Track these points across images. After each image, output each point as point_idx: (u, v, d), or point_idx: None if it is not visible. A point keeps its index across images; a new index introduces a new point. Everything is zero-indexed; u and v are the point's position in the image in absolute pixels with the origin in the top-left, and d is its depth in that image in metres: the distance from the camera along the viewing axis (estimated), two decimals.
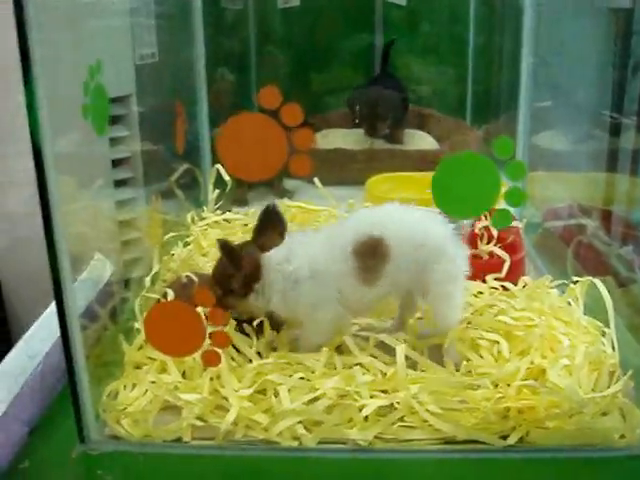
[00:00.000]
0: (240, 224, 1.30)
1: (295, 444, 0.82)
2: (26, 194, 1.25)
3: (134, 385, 0.89)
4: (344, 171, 1.52)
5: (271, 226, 0.89)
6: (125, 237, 1.14)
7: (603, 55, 1.53)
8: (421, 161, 1.54)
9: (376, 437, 0.82)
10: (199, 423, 0.83)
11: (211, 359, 0.79)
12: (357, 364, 0.87)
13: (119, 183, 1.29)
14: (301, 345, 0.92)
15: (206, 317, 0.78)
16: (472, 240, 1.21)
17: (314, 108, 1.78)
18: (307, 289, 0.88)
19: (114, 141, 1.30)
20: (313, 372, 0.87)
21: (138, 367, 0.93)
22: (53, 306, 0.97)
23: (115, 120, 1.32)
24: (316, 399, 0.82)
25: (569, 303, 0.98)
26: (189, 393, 0.84)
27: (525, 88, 1.36)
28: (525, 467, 0.80)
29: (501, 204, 0.77)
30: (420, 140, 1.64)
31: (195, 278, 1.01)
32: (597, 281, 0.95)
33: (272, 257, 0.88)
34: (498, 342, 0.90)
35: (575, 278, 1.01)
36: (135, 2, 1.38)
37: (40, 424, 0.88)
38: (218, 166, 1.33)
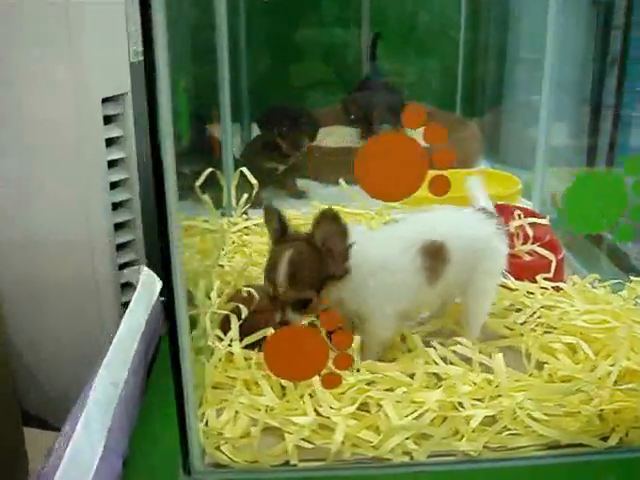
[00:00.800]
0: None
1: (406, 459, 0.82)
2: None
3: (221, 408, 0.86)
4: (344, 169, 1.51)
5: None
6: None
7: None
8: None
9: (484, 446, 0.83)
10: (305, 445, 0.82)
11: (333, 381, 0.77)
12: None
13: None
14: (366, 342, 0.92)
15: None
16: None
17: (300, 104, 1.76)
18: (377, 282, 0.90)
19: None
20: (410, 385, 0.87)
21: (216, 387, 0.90)
22: (123, 328, 0.94)
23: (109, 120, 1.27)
24: (421, 413, 0.83)
25: (635, 304, 1.02)
26: (295, 416, 0.82)
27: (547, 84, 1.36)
28: (627, 467, 0.83)
29: None
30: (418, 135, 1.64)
31: (253, 291, 0.99)
32: None
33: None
34: (575, 346, 0.93)
35: (632, 278, 1.05)
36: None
37: (133, 455, 0.84)
38: (243, 169, 1.30)
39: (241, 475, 0.81)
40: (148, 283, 1.04)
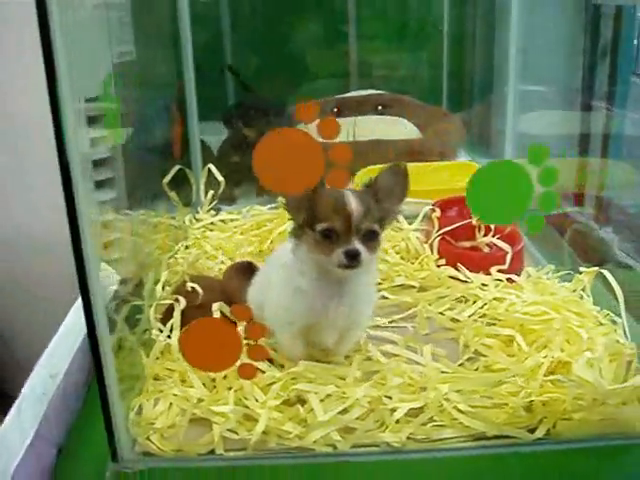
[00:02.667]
0: (236, 225, 1.30)
1: (330, 450, 0.83)
2: None
3: (157, 399, 0.88)
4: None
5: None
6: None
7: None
8: (406, 151, 1.55)
9: (408, 438, 0.83)
10: (231, 435, 0.83)
11: (247, 372, 0.79)
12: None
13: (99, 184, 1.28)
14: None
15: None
16: (470, 231, 1.24)
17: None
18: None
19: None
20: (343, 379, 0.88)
21: (157, 379, 0.92)
22: (68, 322, 0.96)
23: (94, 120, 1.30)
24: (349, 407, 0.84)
25: (580, 296, 1.01)
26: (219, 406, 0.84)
27: (513, 74, 1.36)
28: (554, 458, 0.82)
29: None
30: (401, 127, 1.64)
31: (197, 286, 1.01)
32: (606, 272, 0.98)
33: None
34: (512, 337, 0.93)
35: (581, 268, 1.04)
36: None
37: (67, 444, 0.87)
38: (210, 166, 1.32)
39: (167, 463, 0.83)
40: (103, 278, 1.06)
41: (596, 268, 1.01)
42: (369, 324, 0.97)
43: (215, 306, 0.92)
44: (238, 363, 0.79)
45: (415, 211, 1.34)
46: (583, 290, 1.02)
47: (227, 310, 0.91)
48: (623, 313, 0.94)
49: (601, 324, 0.95)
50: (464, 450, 0.83)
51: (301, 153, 0.70)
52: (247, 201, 1.44)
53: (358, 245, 0.83)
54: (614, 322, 0.95)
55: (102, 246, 1.11)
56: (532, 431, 0.84)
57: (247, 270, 1.04)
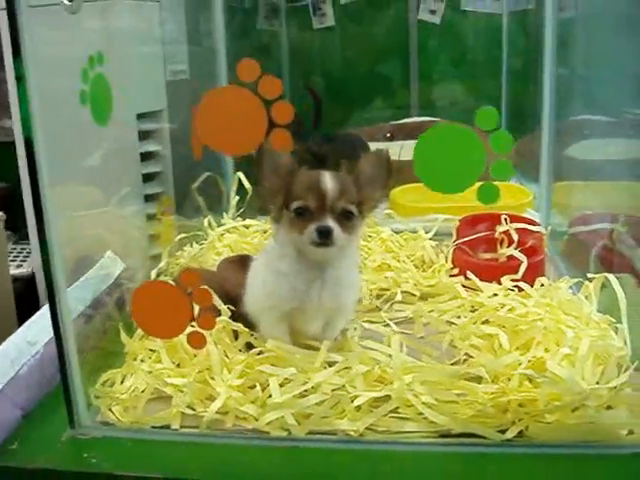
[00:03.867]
0: (258, 230, 1.30)
1: (284, 434, 0.79)
2: None
3: (129, 375, 0.88)
4: None
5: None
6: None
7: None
8: None
9: (368, 428, 0.79)
10: (189, 411, 0.82)
11: (197, 341, 0.78)
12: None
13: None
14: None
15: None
16: (492, 244, 1.18)
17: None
18: None
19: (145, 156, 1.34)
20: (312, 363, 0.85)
21: (135, 358, 0.92)
22: None
23: (146, 135, 1.35)
24: (309, 392, 0.80)
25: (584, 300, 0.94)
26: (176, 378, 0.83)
27: (548, 101, 1.33)
28: (523, 463, 0.75)
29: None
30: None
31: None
32: (610, 276, 0.90)
33: None
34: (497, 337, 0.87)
35: (590, 275, 0.97)
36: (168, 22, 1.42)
37: (35, 410, 0.87)
38: (240, 174, 1.34)
39: (122, 433, 0.82)
40: (107, 265, 1.08)
41: (603, 274, 0.94)
42: (354, 309, 0.95)
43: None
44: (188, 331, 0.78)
45: (445, 229, 1.31)
46: (588, 297, 0.94)
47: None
48: (624, 319, 0.86)
49: (599, 327, 0.87)
50: (427, 446, 0.78)
51: (242, 111, 0.69)
52: None
53: (331, 223, 0.82)
54: (617, 330, 0.87)
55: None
56: (503, 431, 0.77)
57: (242, 263, 1.03)
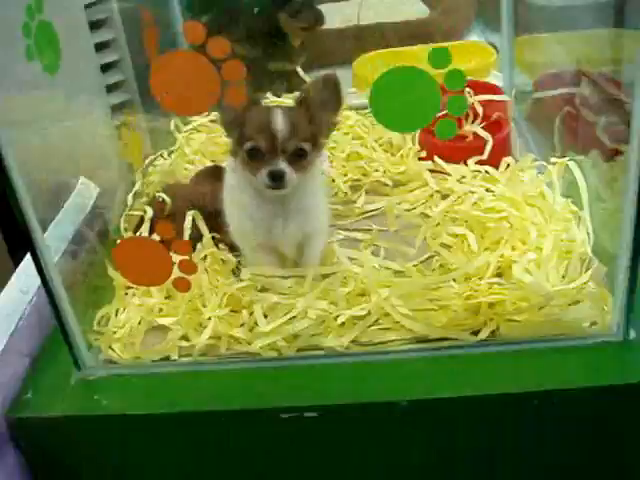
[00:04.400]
0: None
1: (275, 354, 0.85)
2: None
3: (122, 310, 0.93)
4: (331, 52, 1.47)
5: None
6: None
7: None
8: (408, 34, 1.47)
9: (352, 341, 0.85)
10: (184, 343, 0.87)
11: (182, 285, 0.82)
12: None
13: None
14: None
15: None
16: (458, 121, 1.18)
17: None
18: None
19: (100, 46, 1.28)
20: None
21: (129, 287, 0.97)
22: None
23: (97, 25, 1.29)
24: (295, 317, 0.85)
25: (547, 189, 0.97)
26: (169, 316, 0.88)
27: None
28: (497, 360, 0.82)
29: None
30: (409, 7, 1.56)
31: (165, 196, 1.02)
32: (572, 163, 0.93)
33: None
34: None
35: (553, 159, 0.99)
36: None
37: (40, 355, 0.93)
38: None
39: (125, 370, 0.88)
40: (82, 193, 1.09)
41: (565, 159, 0.96)
42: (327, 230, 0.96)
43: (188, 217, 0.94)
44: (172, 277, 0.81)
45: None
46: (551, 183, 0.97)
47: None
48: (586, 207, 0.90)
49: (564, 219, 0.91)
50: (407, 352, 0.84)
51: (195, 74, 0.68)
52: None
53: (283, 165, 0.82)
54: (580, 218, 0.91)
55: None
56: (476, 333, 0.83)
57: (214, 174, 1.04)
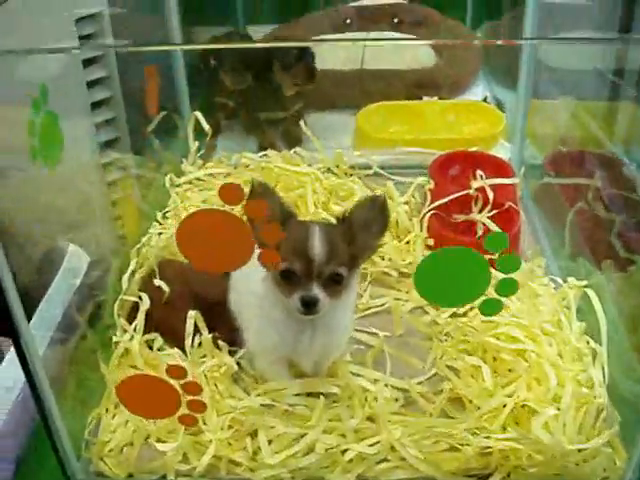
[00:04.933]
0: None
1: None
2: None
3: (114, 415, 0.88)
4: (332, 96, 1.42)
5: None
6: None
7: None
8: (415, 84, 1.42)
9: (358, 476, 0.82)
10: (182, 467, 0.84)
11: (188, 422, 0.78)
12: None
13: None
14: None
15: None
16: (466, 203, 1.15)
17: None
18: None
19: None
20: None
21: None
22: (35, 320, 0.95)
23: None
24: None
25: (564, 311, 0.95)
26: (166, 442, 0.83)
27: None
28: None
29: None
30: (415, 54, 1.49)
31: (163, 284, 0.97)
32: (590, 292, 0.91)
33: None
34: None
35: (570, 280, 0.97)
36: None
37: (26, 458, 0.88)
38: (197, 113, 1.24)
39: None
40: (73, 263, 1.03)
41: (583, 283, 0.94)
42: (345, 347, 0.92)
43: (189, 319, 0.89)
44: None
45: (415, 162, 1.26)
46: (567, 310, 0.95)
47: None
48: (604, 342, 0.88)
49: (579, 355, 0.89)
50: None
51: (228, 234, 0.63)
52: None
53: (317, 290, 0.76)
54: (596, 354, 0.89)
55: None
56: (485, 478, 0.82)
57: None
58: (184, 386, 0.74)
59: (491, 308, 0.68)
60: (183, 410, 0.76)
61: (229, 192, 0.62)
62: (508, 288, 0.66)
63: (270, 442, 0.83)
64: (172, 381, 0.74)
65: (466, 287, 0.66)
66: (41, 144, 0.77)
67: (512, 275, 0.66)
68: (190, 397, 0.75)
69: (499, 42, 0.61)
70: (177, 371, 0.74)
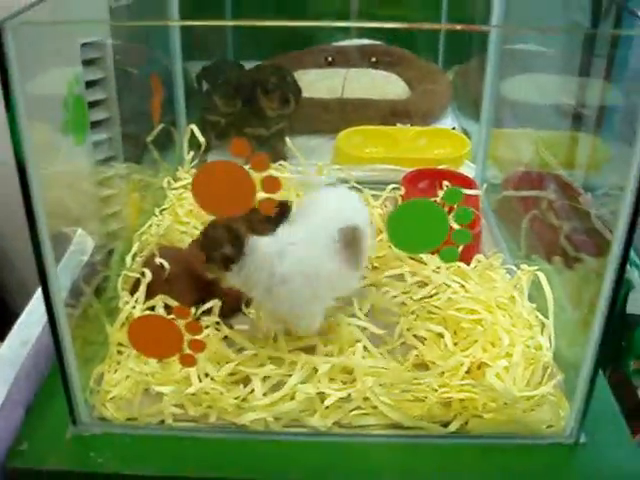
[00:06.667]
0: None
1: (262, 428, 0.93)
2: None
3: (116, 370, 0.99)
4: (315, 121, 1.57)
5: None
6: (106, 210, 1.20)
7: None
8: (390, 112, 1.58)
9: (334, 423, 0.93)
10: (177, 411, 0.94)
11: (188, 361, 0.88)
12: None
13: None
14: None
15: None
16: None
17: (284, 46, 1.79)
18: (297, 289, 0.93)
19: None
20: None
21: (121, 344, 1.02)
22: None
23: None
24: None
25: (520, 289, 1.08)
26: (164, 384, 0.94)
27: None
28: (462, 452, 0.91)
29: None
30: (392, 87, 1.66)
31: (164, 261, 1.08)
32: (540, 274, 1.04)
33: (262, 249, 0.90)
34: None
35: (523, 266, 1.10)
36: None
37: (35, 404, 0.97)
38: (192, 126, 1.37)
39: (120, 429, 0.94)
40: (80, 244, 1.14)
41: (534, 268, 1.07)
42: None
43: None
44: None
45: (389, 178, 1.40)
46: (520, 290, 1.08)
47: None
48: (551, 316, 1.01)
49: (530, 325, 1.02)
50: (383, 437, 0.93)
51: (234, 183, 0.75)
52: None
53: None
54: (544, 325, 1.02)
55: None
56: (446, 425, 0.93)
57: None
58: (187, 326, 0.86)
59: (449, 255, 0.81)
60: (185, 350, 0.87)
61: (239, 147, 0.75)
62: (462, 238, 0.80)
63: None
64: (176, 321, 0.86)
65: (428, 236, 0.79)
66: (71, 121, 0.90)
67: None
68: (191, 337, 0.86)
69: (459, 27, 0.72)
70: (182, 311, 0.85)
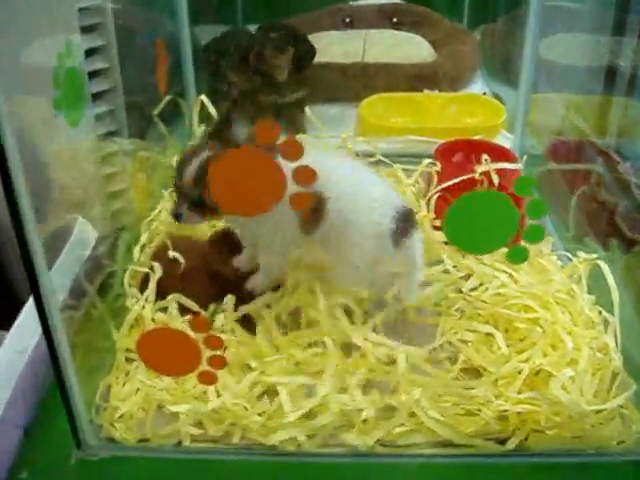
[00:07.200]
0: None
1: (293, 449, 0.82)
2: None
3: (124, 382, 0.87)
4: (334, 88, 1.43)
5: None
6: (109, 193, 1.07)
7: None
8: (416, 77, 1.44)
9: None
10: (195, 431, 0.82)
11: (207, 379, 0.77)
12: None
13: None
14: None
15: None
16: (471, 188, 1.16)
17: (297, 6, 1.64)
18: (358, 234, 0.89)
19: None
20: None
21: (129, 350, 0.91)
22: None
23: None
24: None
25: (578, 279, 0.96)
26: (180, 401, 0.83)
27: None
28: (522, 471, 0.80)
29: None
30: (416, 49, 1.52)
31: (179, 255, 0.96)
32: (602, 264, 0.92)
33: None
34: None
35: (581, 255, 0.98)
36: None
37: (35, 424, 0.86)
38: (203, 97, 1.24)
39: (129, 452, 0.82)
40: (81, 235, 1.02)
41: (594, 256, 0.95)
42: None
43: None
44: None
45: (418, 150, 1.28)
46: (578, 281, 0.96)
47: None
48: (617, 313, 0.89)
49: (592, 323, 0.90)
50: (432, 457, 0.82)
51: (262, 175, 0.63)
52: None
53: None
54: (607, 323, 0.90)
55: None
56: (503, 441, 0.81)
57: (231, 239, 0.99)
58: (205, 340, 0.74)
59: (518, 256, 0.69)
60: (203, 367, 0.76)
61: (264, 130, 0.62)
62: (535, 234, 0.67)
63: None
64: (193, 335, 0.74)
65: (494, 232, 0.67)
66: (63, 97, 0.77)
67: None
68: (211, 352, 0.75)
69: None
70: (200, 323, 0.73)
